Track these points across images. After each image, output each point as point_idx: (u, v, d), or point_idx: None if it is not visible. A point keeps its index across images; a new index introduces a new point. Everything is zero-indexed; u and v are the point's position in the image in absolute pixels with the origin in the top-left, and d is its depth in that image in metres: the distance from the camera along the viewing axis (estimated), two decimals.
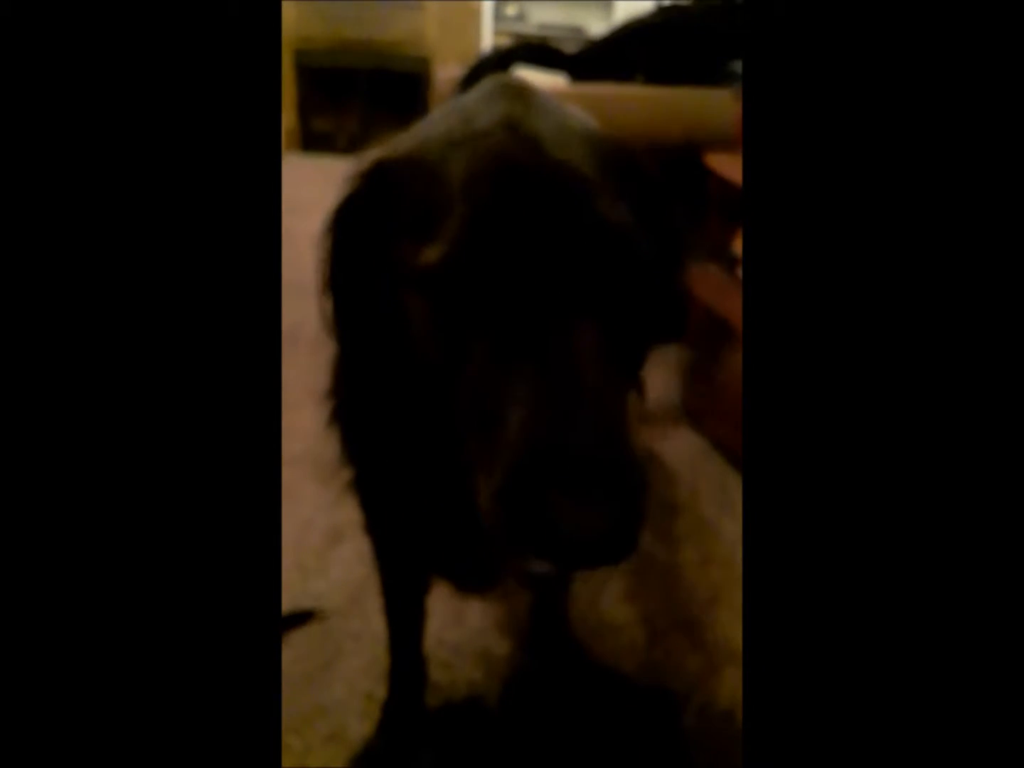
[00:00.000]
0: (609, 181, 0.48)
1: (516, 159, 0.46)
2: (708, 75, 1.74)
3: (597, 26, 4.15)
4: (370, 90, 4.23)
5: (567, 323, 0.43)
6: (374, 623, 1.06)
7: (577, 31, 4.24)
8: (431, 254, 0.45)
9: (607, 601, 1.14)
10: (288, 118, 4.18)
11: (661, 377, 1.77)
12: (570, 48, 2.17)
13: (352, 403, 0.65)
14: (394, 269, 0.49)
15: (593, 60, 1.94)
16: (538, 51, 2.05)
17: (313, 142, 4.29)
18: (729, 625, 1.10)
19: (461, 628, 1.07)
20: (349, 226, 0.53)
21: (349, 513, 0.83)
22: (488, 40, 4.24)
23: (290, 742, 0.89)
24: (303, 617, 1.07)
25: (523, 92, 0.53)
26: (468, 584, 0.82)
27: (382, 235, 0.51)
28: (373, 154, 0.56)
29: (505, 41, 4.19)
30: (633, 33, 1.89)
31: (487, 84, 0.55)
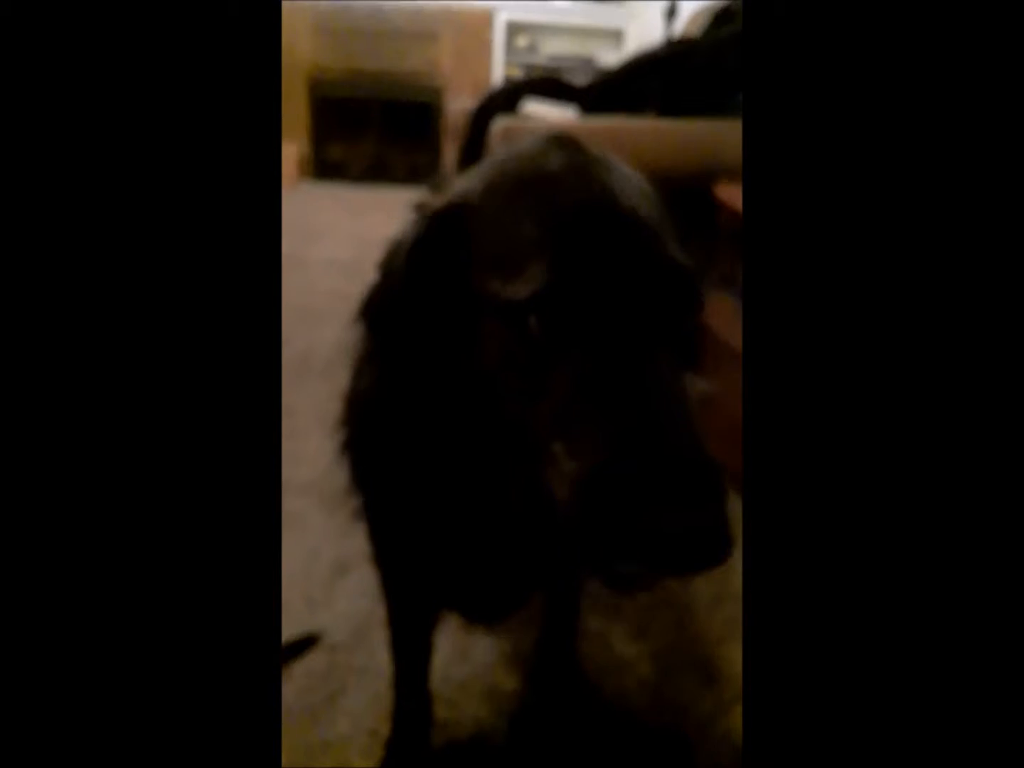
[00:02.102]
0: (666, 224, 0.55)
1: (596, 205, 0.51)
2: (718, 108, 1.75)
3: (608, 58, 4.21)
4: (384, 120, 4.30)
5: (652, 351, 0.48)
6: (379, 657, 1.04)
7: (587, 63, 4.30)
8: (520, 289, 0.50)
9: (617, 637, 1.12)
10: (303, 147, 4.25)
11: None
12: (581, 80, 2.20)
13: (373, 431, 0.65)
14: (468, 302, 0.54)
15: (603, 93, 1.96)
16: (548, 84, 2.08)
17: (327, 170, 4.35)
18: (742, 663, 1.08)
19: (467, 664, 1.05)
20: (422, 262, 0.57)
21: (356, 544, 0.82)
22: (500, 71, 4.31)
23: None
24: (306, 643, 1.05)
25: (577, 142, 0.58)
26: (478, 616, 0.81)
27: (456, 271, 0.55)
28: (429, 196, 0.62)
29: (517, 72, 4.26)
30: (643, 66, 1.92)
31: (541, 137, 0.60)
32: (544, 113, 1.90)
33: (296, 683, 1.00)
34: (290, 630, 1.08)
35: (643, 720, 1.00)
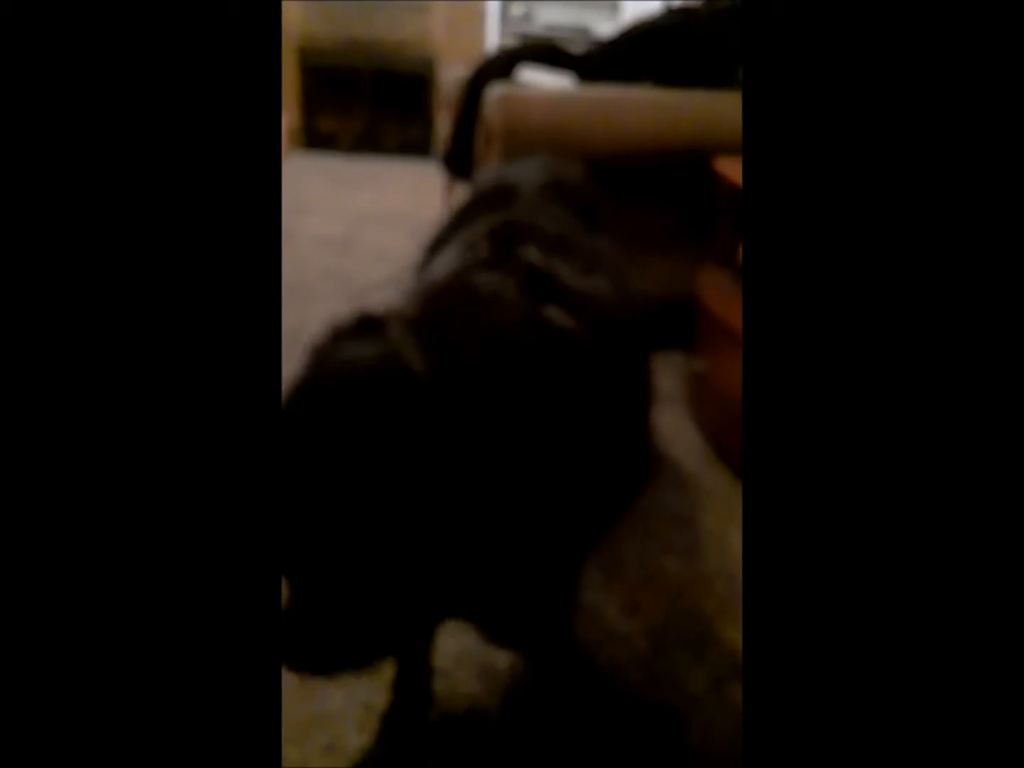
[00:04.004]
0: None
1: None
2: (717, 79, 1.72)
3: (604, 27, 4.14)
4: (375, 90, 4.22)
5: None
6: None
7: (584, 32, 4.23)
8: None
9: (613, 612, 1.13)
10: (293, 117, 4.17)
11: (665, 381, 1.75)
12: (577, 49, 2.16)
13: None
14: None
15: (601, 61, 1.93)
16: (545, 51, 2.04)
17: (317, 141, 4.28)
18: (734, 641, 1.09)
19: (461, 638, 1.05)
20: None
21: None
22: (494, 40, 4.23)
23: (288, 752, 0.88)
24: None
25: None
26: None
27: None
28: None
29: (511, 41, 4.18)
30: (642, 35, 1.88)
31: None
32: (540, 81, 1.86)
33: None
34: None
35: (637, 695, 1.00)
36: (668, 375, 1.79)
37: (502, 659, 1.03)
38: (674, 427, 1.64)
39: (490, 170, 1.12)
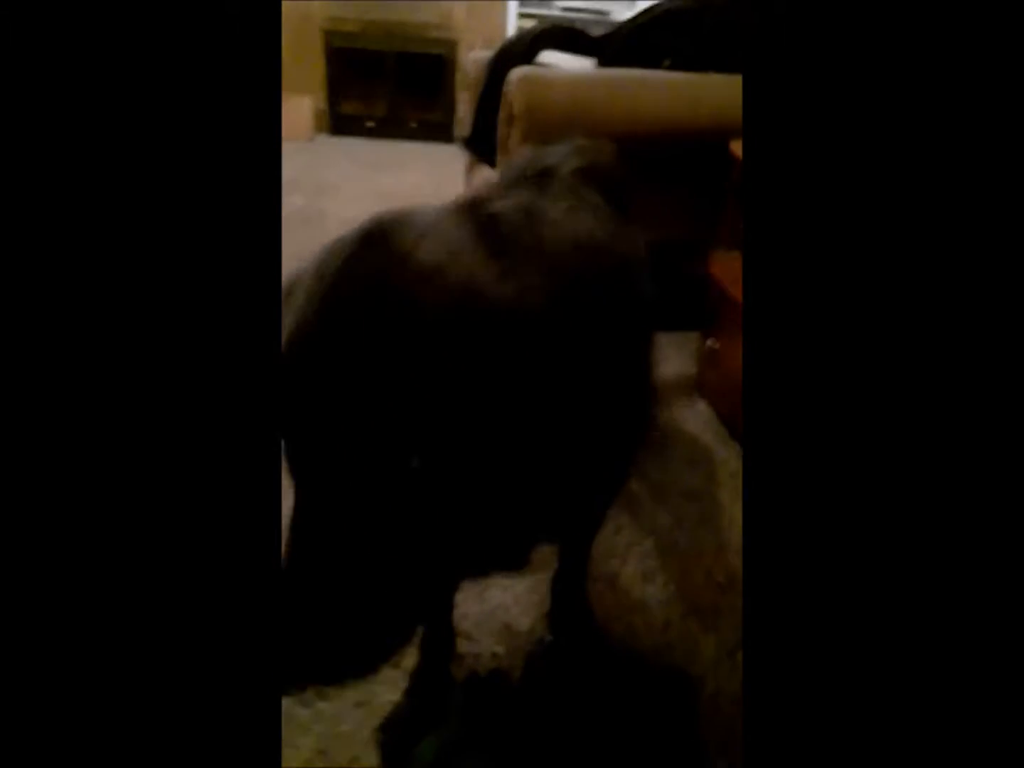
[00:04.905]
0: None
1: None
2: (736, 62, 1.73)
3: (622, 10, 4.10)
4: (397, 73, 4.23)
5: None
6: None
7: (602, 15, 4.19)
8: None
9: (626, 580, 1.17)
10: (318, 100, 4.20)
11: (679, 361, 1.78)
12: (597, 32, 2.16)
13: None
14: None
15: (620, 44, 1.93)
16: (565, 34, 2.05)
17: (342, 124, 4.30)
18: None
19: (483, 603, 1.10)
20: None
21: None
22: (513, 23, 4.21)
23: (321, 708, 0.94)
24: None
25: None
26: (494, 569, 0.84)
27: None
28: None
29: (530, 24, 4.16)
30: (661, 18, 1.88)
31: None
32: (561, 63, 1.87)
33: None
34: None
35: (650, 662, 1.04)
36: (683, 355, 1.81)
37: (523, 623, 1.08)
38: (688, 405, 1.67)
39: (524, 153, 1.12)
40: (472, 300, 0.52)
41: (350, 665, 0.53)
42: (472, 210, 0.62)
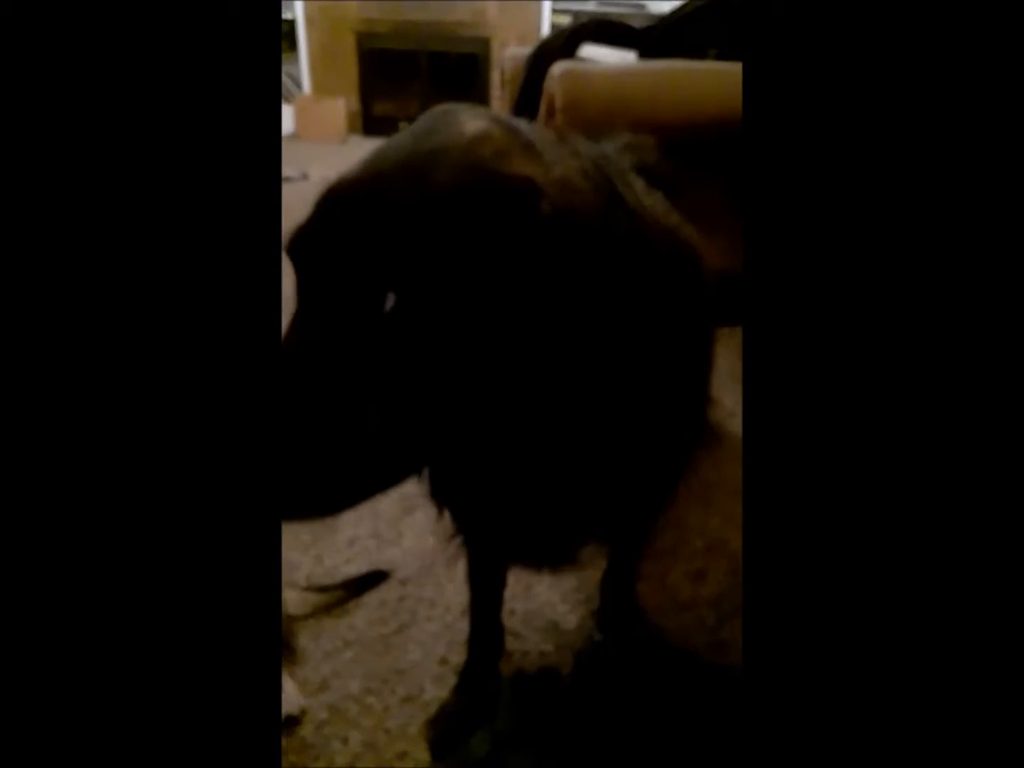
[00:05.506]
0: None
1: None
2: None
3: (659, 3, 4.07)
4: (431, 72, 4.25)
5: None
6: (447, 591, 1.08)
7: (639, 7, 4.16)
8: None
9: (678, 580, 1.15)
10: (351, 102, 4.23)
11: (726, 355, 1.75)
12: (638, 25, 2.14)
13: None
14: None
15: (662, 35, 1.91)
16: (606, 28, 2.02)
17: (375, 125, 4.34)
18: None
19: (531, 600, 1.09)
20: None
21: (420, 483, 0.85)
22: (547, 19, 4.21)
23: (369, 703, 0.93)
24: (377, 577, 1.11)
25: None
26: (542, 564, 0.83)
27: None
28: None
29: (565, 20, 4.15)
30: (706, 8, 1.85)
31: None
32: (602, 57, 1.85)
33: (370, 613, 1.05)
34: (361, 565, 1.13)
35: (701, 661, 1.02)
36: (730, 352, 1.78)
37: (570, 620, 1.07)
38: (735, 403, 1.64)
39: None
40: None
41: (311, 497, 0.51)
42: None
